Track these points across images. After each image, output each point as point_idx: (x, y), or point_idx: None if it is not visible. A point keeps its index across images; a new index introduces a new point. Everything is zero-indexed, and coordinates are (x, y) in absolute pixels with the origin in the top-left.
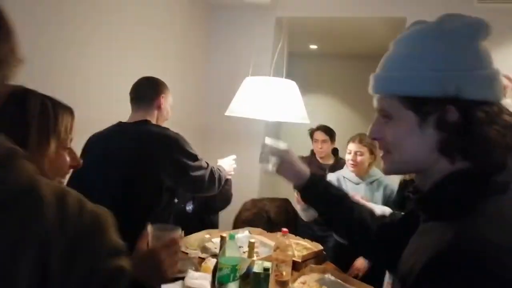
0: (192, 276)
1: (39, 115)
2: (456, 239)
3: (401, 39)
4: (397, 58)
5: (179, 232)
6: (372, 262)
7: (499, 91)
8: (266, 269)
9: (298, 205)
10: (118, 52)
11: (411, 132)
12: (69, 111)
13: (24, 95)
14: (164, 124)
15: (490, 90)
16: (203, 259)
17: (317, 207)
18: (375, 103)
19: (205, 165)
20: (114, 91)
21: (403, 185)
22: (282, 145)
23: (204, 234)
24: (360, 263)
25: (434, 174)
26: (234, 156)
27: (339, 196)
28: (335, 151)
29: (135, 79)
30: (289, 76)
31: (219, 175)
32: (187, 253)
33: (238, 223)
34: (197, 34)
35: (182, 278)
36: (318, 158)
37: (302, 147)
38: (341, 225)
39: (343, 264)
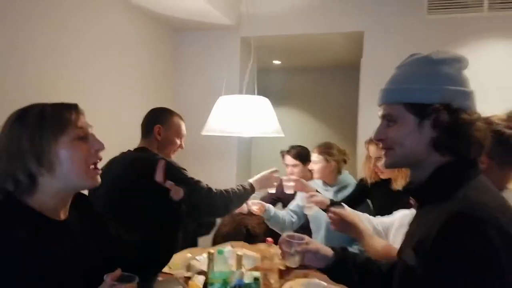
0: None
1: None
2: (466, 203)
3: (405, 64)
4: (403, 76)
5: (134, 283)
6: None
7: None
8: (256, 279)
9: (284, 250)
10: (79, 81)
11: (412, 131)
12: (66, 109)
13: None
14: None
15: (472, 102)
16: (188, 277)
17: (350, 281)
18: (380, 112)
19: (203, 187)
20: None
21: (361, 182)
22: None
23: (185, 254)
24: None
25: (427, 166)
26: (274, 169)
27: (367, 261)
28: None
29: (96, 109)
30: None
31: (228, 197)
32: (172, 274)
33: (218, 239)
34: (162, 58)
35: None
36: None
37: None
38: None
39: None
